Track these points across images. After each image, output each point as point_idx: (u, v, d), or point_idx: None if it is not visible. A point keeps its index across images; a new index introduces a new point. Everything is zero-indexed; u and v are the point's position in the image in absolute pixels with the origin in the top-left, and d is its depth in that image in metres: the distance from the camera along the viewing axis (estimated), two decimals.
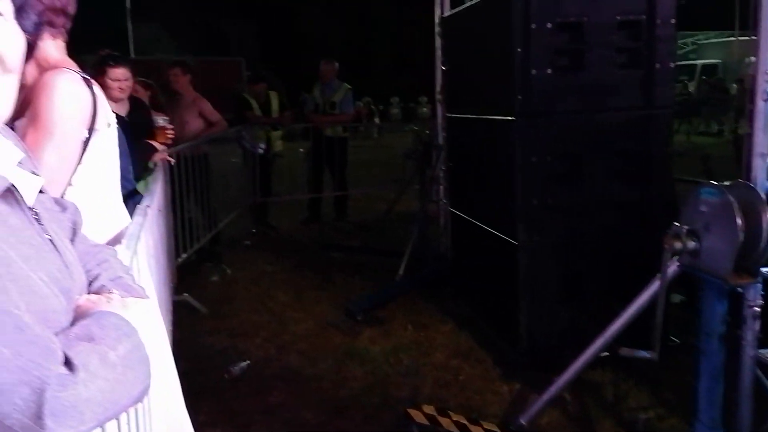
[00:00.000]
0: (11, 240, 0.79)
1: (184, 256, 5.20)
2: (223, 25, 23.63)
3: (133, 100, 4.22)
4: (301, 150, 8.81)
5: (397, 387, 3.51)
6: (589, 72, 3.58)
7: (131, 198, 3.10)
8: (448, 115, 5.15)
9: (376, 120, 22.75)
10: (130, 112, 4.06)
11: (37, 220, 0.92)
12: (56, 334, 0.76)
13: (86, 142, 1.79)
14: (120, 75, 3.87)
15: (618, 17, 3.55)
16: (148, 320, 0.94)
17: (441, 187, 5.73)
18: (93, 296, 0.96)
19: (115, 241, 1.85)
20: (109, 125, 1.90)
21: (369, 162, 11.75)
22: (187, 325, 4.25)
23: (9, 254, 0.77)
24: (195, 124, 5.75)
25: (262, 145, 7.20)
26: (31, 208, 0.91)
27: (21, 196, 0.88)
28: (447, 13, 5.36)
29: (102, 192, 1.90)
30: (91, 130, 1.80)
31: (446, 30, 5.30)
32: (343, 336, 4.26)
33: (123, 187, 2.19)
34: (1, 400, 0.65)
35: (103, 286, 1.03)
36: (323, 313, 4.71)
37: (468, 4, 4.57)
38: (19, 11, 0.89)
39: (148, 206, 2.49)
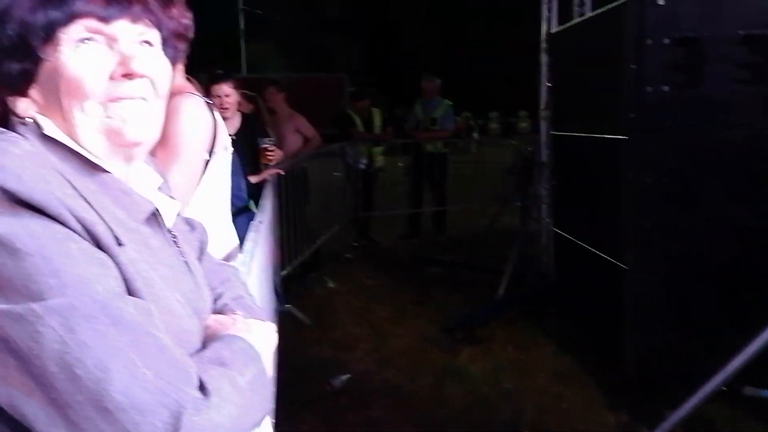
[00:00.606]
0: (152, 261, 0.83)
1: (289, 268, 5.38)
2: (328, 42, 24.36)
3: (244, 117, 4.41)
4: (400, 164, 8.90)
5: (497, 410, 3.46)
6: (707, 88, 3.40)
7: (243, 214, 3.26)
8: (553, 132, 5.05)
9: (475, 135, 22.60)
10: (241, 129, 4.24)
11: (175, 242, 0.96)
12: (190, 356, 0.78)
13: (206, 164, 1.90)
14: (222, 91, 3.96)
15: (741, 31, 3.36)
16: (268, 343, 0.97)
17: (543, 206, 5.60)
18: (220, 317, 0.99)
19: (227, 259, 1.94)
20: (225, 148, 2.01)
21: (468, 177, 11.68)
22: (291, 336, 4.39)
23: (151, 275, 0.81)
24: (293, 140, 5.95)
25: (364, 161, 7.36)
26: (169, 231, 0.96)
27: (161, 219, 0.93)
28: (555, 29, 5.26)
29: (215, 212, 2.00)
30: (211, 152, 1.91)
31: (554, 46, 5.21)
32: (442, 353, 4.25)
33: (233, 204, 2.30)
34: (141, 420, 0.66)
35: (226, 305, 1.05)
36: (422, 328, 4.72)
37: (578, 19, 4.48)
38: (165, 41, 0.95)
39: (260, 222, 2.60)
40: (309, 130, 6.07)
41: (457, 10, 27.94)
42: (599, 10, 4.05)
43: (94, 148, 0.85)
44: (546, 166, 5.36)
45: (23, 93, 0.85)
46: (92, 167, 0.84)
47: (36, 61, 0.82)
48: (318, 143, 6.28)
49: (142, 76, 0.85)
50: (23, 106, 0.85)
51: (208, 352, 0.83)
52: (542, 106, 5.56)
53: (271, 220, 3.96)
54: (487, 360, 4.10)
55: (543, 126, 5.56)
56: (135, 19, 0.86)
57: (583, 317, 4.28)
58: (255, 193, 3.96)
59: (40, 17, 0.81)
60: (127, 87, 0.84)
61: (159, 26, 0.92)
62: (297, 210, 5.82)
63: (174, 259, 0.93)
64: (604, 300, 3.83)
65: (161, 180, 1.03)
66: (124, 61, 0.84)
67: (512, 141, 11.26)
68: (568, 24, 4.71)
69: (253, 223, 2.56)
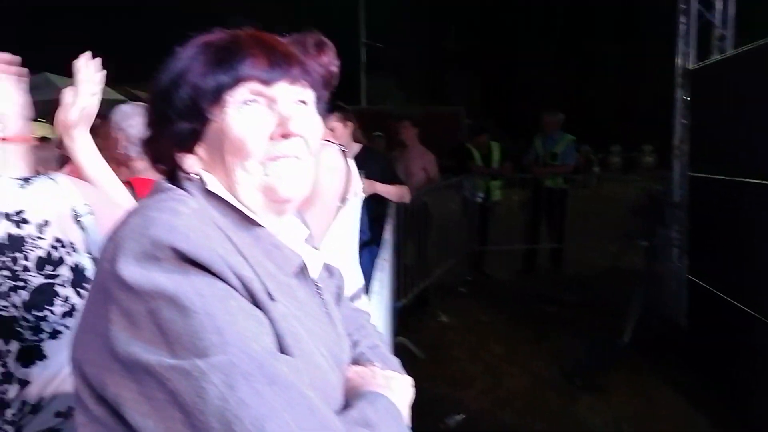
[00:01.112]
0: (300, 315, 0.86)
1: (404, 300, 5.42)
2: (446, 75, 24.63)
3: (363, 149, 4.49)
4: (515, 198, 8.76)
5: None
6: None
7: (365, 248, 3.33)
8: (692, 174, 4.77)
9: (596, 169, 21.81)
10: (360, 161, 4.31)
11: (319, 293, 0.99)
12: (336, 413, 0.80)
13: (338, 210, 1.96)
14: (330, 124, 4.08)
15: None
16: (407, 399, 0.97)
17: (675, 249, 5.29)
18: (360, 370, 1.00)
19: (353, 299, 1.97)
20: (356, 194, 2.07)
21: (587, 213, 11.23)
22: (405, 369, 4.39)
23: (299, 330, 0.83)
24: (419, 176, 6.03)
25: (481, 194, 7.31)
26: (314, 282, 0.98)
27: (308, 271, 0.96)
28: (693, 65, 5.01)
29: (344, 254, 2.05)
30: (343, 199, 1.97)
31: (692, 82, 4.95)
32: (559, 398, 4.09)
33: (359, 238, 2.34)
34: None
35: (363, 354, 1.06)
36: (538, 369, 4.57)
37: (722, 56, 4.24)
38: (319, 99, 0.99)
39: (385, 260, 2.64)
40: (434, 170, 6.14)
41: (576, 43, 27.37)
42: (746, 47, 3.81)
43: (251, 203, 0.90)
44: (679, 208, 5.07)
45: (191, 150, 0.91)
46: (248, 221, 0.89)
47: (204, 121, 0.89)
48: (435, 181, 6.33)
49: (297, 136, 0.90)
50: (190, 163, 0.91)
51: (354, 412, 0.84)
52: (676, 143, 5.29)
53: (390, 252, 4.01)
54: (608, 410, 3.89)
55: (676, 164, 5.28)
56: (293, 81, 0.91)
57: (717, 372, 3.97)
58: (376, 227, 4.03)
59: (210, 81, 0.87)
60: (284, 146, 0.89)
61: (314, 86, 0.97)
62: (416, 243, 5.86)
63: (318, 310, 0.95)
64: (743, 356, 3.53)
65: (308, 231, 1.06)
66: (282, 121, 0.89)
67: (636, 177, 10.76)
68: (710, 60, 4.47)
69: (378, 262, 2.60)
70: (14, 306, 1.45)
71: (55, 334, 1.49)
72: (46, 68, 9.62)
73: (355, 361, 1.03)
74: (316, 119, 0.96)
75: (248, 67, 0.88)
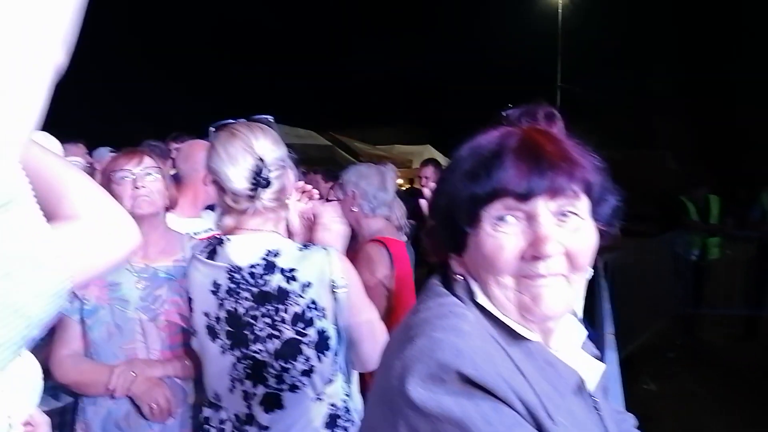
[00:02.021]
0: None
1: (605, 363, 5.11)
2: (650, 118, 23.26)
3: None
4: (736, 257, 7.91)
5: None
6: None
7: None
8: None
9: None
10: None
11: (596, 407, 0.93)
12: None
13: None
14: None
15: None
16: None
17: None
18: None
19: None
20: None
21: None
22: None
23: None
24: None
25: (696, 252, 6.72)
26: (591, 395, 0.92)
27: (585, 385, 0.91)
28: None
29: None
30: None
31: None
32: None
33: None
34: None
35: None
36: None
37: None
38: (596, 202, 0.91)
39: (611, 334, 2.51)
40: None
41: None
42: None
43: (511, 317, 0.87)
44: None
45: (458, 253, 0.92)
46: (517, 335, 0.87)
47: (463, 232, 0.89)
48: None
49: (553, 256, 0.84)
50: (455, 265, 0.93)
51: None
52: None
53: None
54: None
55: None
56: (556, 194, 0.85)
57: None
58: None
59: (465, 194, 0.86)
60: (539, 266, 0.84)
61: (588, 189, 0.89)
62: (622, 302, 5.54)
63: (595, 428, 0.90)
64: None
65: (585, 333, 1.00)
66: (536, 242, 0.83)
67: None
68: None
69: (607, 336, 2.50)
70: (267, 352, 1.61)
71: (293, 388, 1.62)
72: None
73: None
74: (588, 231, 0.88)
75: (504, 181, 0.83)
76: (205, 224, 2.70)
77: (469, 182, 0.86)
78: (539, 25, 24.52)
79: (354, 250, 2.88)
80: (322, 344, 1.63)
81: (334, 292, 1.61)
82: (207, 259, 1.69)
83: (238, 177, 1.60)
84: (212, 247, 1.71)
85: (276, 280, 1.60)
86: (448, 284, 0.93)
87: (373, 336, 1.70)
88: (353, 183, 2.79)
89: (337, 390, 1.69)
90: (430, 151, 15.66)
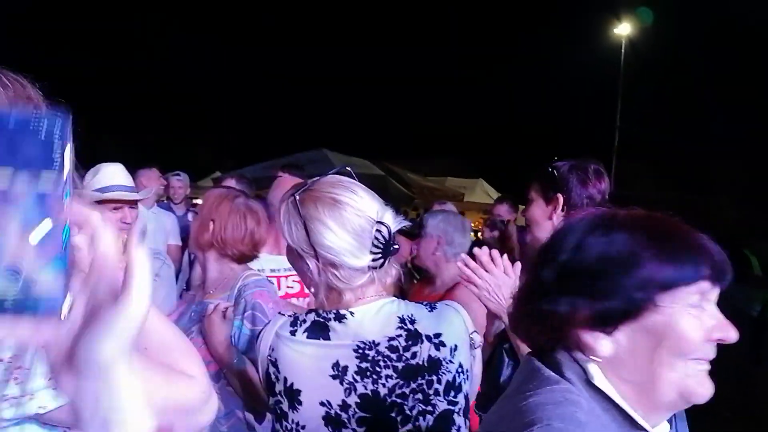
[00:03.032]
0: None
1: None
2: (712, 164, 22.62)
3: None
4: None
5: None
6: None
7: None
8: None
9: None
10: None
11: None
12: None
13: None
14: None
15: None
16: None
17: None
18: None
19: None
20: None
21: None
22: None
23: None
24: None
25: (758, 308, 6.43)
26: None
27: None
28: None
29: None
30: None
31: None
32: None
33: None
34: None
35: None
36: None
37: None
38: None
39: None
40: None
41: None
42: None
43: (656, 401, 0.88)
44: None
45: (607, 331, 0.89)
46: (631, 423, 0.88)
47: (642, 308, 0.88)
48: None
49: (723, 340, 0.89)
50: (602, 344, 0.89)
51: None
52: None
53: None
54: None
55: None
56: (720, 281, 0.92)
57: None
58: None
59: (668, 272, 0.88)
60: (712, 350, 0.89)
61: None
62: None
63: None
64: None
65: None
66: (721, 327, 0.89)
67: None
68: None
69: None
70: None
71: None
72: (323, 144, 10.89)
73: None
74: None
75: (705, 266, 0.89)
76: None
77: (673, 263, 0.88)
78: (600, 63, 24.35)
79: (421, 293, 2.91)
80: (466, 410, 1.51)
81: (472, 350, 1.53)
82: (313, 338, 1.44)
83: (361, 250, 1.41)
84: (320, 325, 1.45)
85: (424, 350, 1.44)
86: (549, 365, 0.92)
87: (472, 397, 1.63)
88: (441, 228, 2.87)
89: None
90: (482, 185, 15.54)
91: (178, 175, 6.01)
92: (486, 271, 1.89)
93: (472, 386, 1.56)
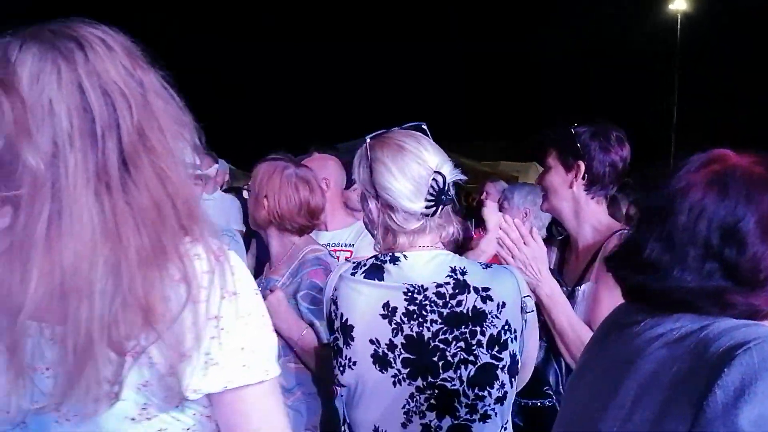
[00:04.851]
0: None
1: None
2: None
3: None
4: None
5: None
6: None
7: None
8: None
9: None
10: None
11: None
12: None
13: None
14: None
15: None
16: None
17: None
18: None
19: None
20: None
21: None
22: None
23: None
24: None
25: None
26: None
27: None
28: None
29: None
30: None
31: None
32: None
33: None
34: None
35: None
36: None
37: None
38: None
39: None
40: None
41: None
42: None
43: None
44: None
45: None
46: None
47: None
48: None
49: None
50: (743, 299, 0.93)
51: None
52: None
53: None
54: None
55: None
56: None
57: None
58: None
59: None
60: None
61: None
62: None
63: None
64: None
65: None
66: None
67: None
68: None
69: None
70: (460, 380, 1.47)
71: (484, 418, 1.48)
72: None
73: None
74: None
75: None
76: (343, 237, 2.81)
77: None
78: (655, 41, 23.61)
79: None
80: (513, 369, 1.52)
81: (524, 313, 1.53)
82: (369, 278, 1.51)
83: (417, 195, 1.47)
84: (376, 267, 1.52)
85: (470, 300, 1.48)
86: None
87: (533, 363, 1.64)
88: (530, 201, 2.88)
89: (510, 420, 1.59)
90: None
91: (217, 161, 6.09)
92: (525, 243, 1.87)
93: (526, 351, 1.57)
